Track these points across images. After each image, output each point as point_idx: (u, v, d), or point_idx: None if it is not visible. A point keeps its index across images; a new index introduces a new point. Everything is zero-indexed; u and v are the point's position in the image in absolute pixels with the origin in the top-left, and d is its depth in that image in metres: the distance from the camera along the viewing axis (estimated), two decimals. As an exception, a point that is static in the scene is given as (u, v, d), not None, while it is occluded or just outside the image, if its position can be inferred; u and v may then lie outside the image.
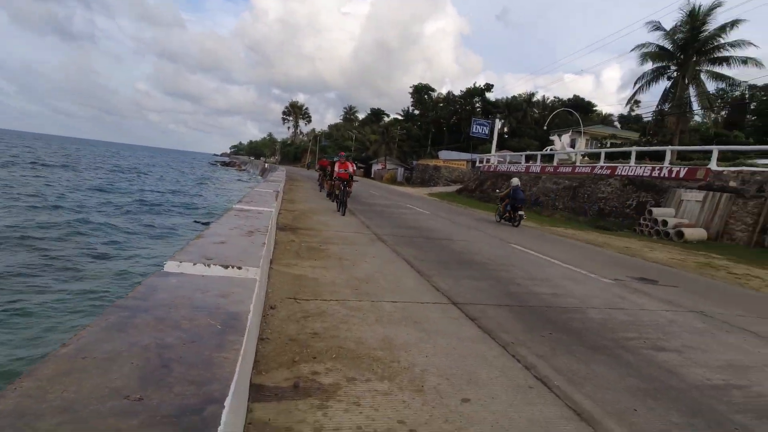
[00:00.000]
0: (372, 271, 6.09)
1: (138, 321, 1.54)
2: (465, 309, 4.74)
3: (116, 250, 11.89)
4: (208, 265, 2.37)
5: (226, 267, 2.40)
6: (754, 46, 26.46)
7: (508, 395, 2.90)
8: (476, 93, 69.95)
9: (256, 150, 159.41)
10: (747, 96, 36.04)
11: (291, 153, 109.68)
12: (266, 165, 71.33)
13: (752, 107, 33.35)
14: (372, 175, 62.80)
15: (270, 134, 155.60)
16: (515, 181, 15.25)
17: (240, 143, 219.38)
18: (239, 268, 2.42)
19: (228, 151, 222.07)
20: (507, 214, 15.19)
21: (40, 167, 37.81)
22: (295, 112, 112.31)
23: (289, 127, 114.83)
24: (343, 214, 12.16)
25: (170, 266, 2.30)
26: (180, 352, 1.35)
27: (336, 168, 14.11)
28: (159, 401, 1.09)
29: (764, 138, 24.86)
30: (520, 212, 14.86)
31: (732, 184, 16.33)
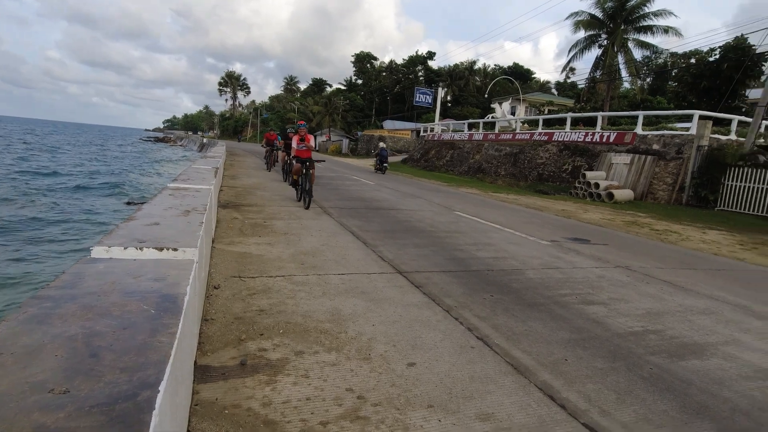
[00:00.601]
0: (318, 244, 6.08)
1: (62, 311, 1.46)
2: (410, 277, 4.87)
3: (32, 241, 11.05)
4: (141, 249, 2.27)
5: (161, 249, 2.31)
6: (674, 15, 28.07)
7: (451, 356, 3.04)
8: (419, 61, 69.79)
9: (192, 124, 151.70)
10: (669, 63, 38.38)
11: (231, 126, 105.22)
12: (204, 140, 68.13)
13: (673, 74, 35.61)
14: (316, 147, 61.68)
15: (206, 107, 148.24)
16: (382, 144, 25.77)
17: (174, 117, 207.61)
18: (175, 249, 2.34)
19: (161, 126, 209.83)
20: (378, 166, 24.31)
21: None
22: (233, 83, 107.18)
23: (227, 99, 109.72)
24: (307, 207, 9.10)
25: (98, 252, 2.18)
26: (110, 340, 1.31)
27: (294, 144, 10.02)
28: (88, 391, 1.05)
29: (683, 103, 26.72)
30: (385, 164, 24.25)
31: (655, 147, 17.53)
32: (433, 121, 41.71)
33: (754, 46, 21.05)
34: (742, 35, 23.04)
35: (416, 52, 70.79)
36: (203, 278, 3.44)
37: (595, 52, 31.77)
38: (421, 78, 68.49)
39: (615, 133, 19.58)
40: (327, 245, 6.08)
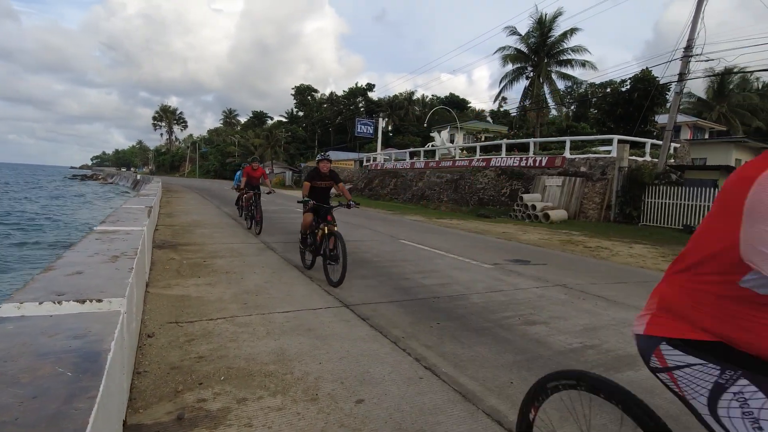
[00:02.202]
0: (262, 282, 5.89)
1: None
2: (357, 310, 4.81)
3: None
4: (59, 302, 2.10)
5: (83, 302, 2.14)
6: (588, 52, 30.76)
7: (400, 389, 3.00)
8: (359, 93, 71.19)
9: (124, 160, 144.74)
10: (588, 93, 41.66)
11: (167, 161, 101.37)
12: (138, 176, 65.01)
13: (593, 102, 38.66)
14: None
15: (140, 142, 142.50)
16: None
17: (104, 153, 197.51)
18: (99, 300, 2.17)
19: (89, 163, 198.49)
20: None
21: None
22: (168, 117, 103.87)
23: (162, 134, 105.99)
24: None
25: (7, 309, 1.99)
26: (16, 413, 1.17)
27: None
28: (-15, 478, 0.93)
29: (603, 129, 28.96)
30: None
31: (582, 169, 18.77)
32: (376, 151, 42.41)
33: (657, 77, 23.41)
34: (647, 68, 25.59)
35: (356, 84, 72.34)
36: (134, 328, 3.21)
37: (523, 82, 33.96)
38: (361, 109, 69.77)
39: (546, 158, 20.79)
40: (271, 282, 5.90)
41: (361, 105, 70.71)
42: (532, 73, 32.99)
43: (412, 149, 36.74)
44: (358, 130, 49.23)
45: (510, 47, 32.66)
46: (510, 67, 33.51)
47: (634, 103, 24.28)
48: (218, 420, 2.54)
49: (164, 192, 22.60)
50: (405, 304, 5.13)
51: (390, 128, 63.40)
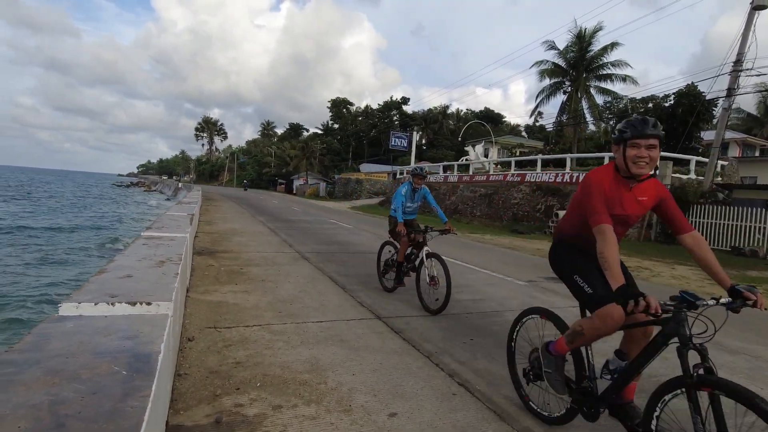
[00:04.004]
0: (296, 291, 5.99)
1: (25, 377, 1.40)
2: (390, 322, 4.82)
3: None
4: (113, 304, 2.21)
5: (134, 304, 2.25)
6: (630, 66, 30.04)
7: (433, 404, 2.98)
8: (394, 106, 71.87)
9: (167, 168, 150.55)
10: (629, 108, 40.64)
11: (207, 171, 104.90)
12: (180, 185, 67.48)
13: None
14: (294, 191, 61.86)
15: (183, 152, 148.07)
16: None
17: (149, 162, 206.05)
18: (149, 303, 2.28)
19: (135, 171, 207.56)
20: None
21: None
22: (210, 128, 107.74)
23: (203, 144, 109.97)
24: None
25: (66, 309, 2.11)
26: (78, 407, 1.25)
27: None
28: (53, 467, 1.00)
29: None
30: None
31: (622, 186, 18.24)
32: (409, 164, 42.52)
33: (703, 92, 22.58)
34: (692, 83, 24.74)
35: (391, 98, 73.08)
36: (177, 331, 3.34)
37: (560, 97, 33.48)
38: (396, 122, 70.34)
39: (584, 174, 20.31)
40: (305, 292, 5.99)
41: (395, 118, 71.32)
42: (570, 88, 32.49)
43: (445, 163, 36.68)
44: (392, 143, 49.58)
45: (547, 62, 32.34)
46: (547, 81, 33.17)
47: (678, 118, 23.49)
48: (254, 426, 2.59)
49: (203, 200, 23.36)
50: (437, 319, 5.10)
51: (424, 142, 63.58)
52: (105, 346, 1.72)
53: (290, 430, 2.55)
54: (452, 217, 26.01)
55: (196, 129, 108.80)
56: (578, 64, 31.37)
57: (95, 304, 2.18)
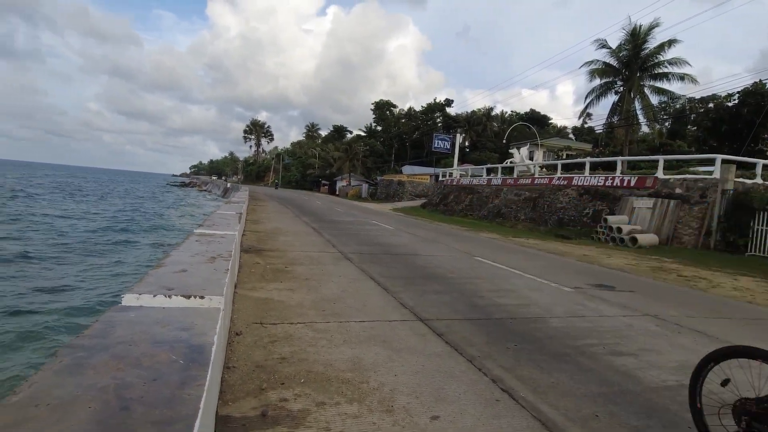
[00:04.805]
0: (338, 291, 6.07)
1: (95, 361, 1.50)
2: (432, 325, 4.79)
3: (66, 282, 11.31)
4: (169, 296, 2.32)
5: (188, 297, 2.36)
6: (688, 64, 28.38)
7: (476, 409, 2.94)
8: (437, 108, 71.53)
9: (217, 169, 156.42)
10: (687, 108, 38.48)
11: (254, 172, 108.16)
12: (228, 185, 69.97)
13: (692, 118, 35.61)
14: (337, 192, 62.74)
15: (231, 153, 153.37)
16: None
17: (200, 163, 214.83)
18: (202, 297, 2.38)
19: (188, 172, 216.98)
20: None
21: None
22: (257, 130, 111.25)
23: (251, 146, 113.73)
24: None
25: (128, 299, 2.24)
26: (141, 392, 1.32)
27: None
28: (120, 446, 1.06)
29: (703, 147, 26.55)
30: None
31: (678, 191, 17.29)
32: (452, 166, 42.19)
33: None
34: (760, 81, 23.12)
35: (434, 100, 72.77)
36: (226, 325, 3.46)
37: (611, 98, 32.17)
38: (439, 124, 69.97)
39: (636, 178, 19.43)
40: (347, 292, 6.06)
41: (438, 120, 70.96)
42: (622, 88, 31.18)
43: (489, 165, 36.11)
44: (435, 145, 49.34)
45: (598, 61, 31.17)
46: (597, 81, 31.94)
47: (743, 119, 22.03)
48: (298, 421, 2.64)
49: (250, 199, 24.11)
50: (480, 323, 5.02)
51: (467, 144, 62.86)
52: (163, 335, 1.81)
53: (333, 428, 2.59)
54: (495, 220, 25.56)
55: (245, 131, 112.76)
56: (632, 63, 30.03)
57: (154, 296, 2.30)
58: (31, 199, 36.77)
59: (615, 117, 32.04)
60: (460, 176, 37.05)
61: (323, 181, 72.21)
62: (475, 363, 3.77)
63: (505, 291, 6.86)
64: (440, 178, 40.70)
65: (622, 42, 30.16)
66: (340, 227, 15.60)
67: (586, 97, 33.42)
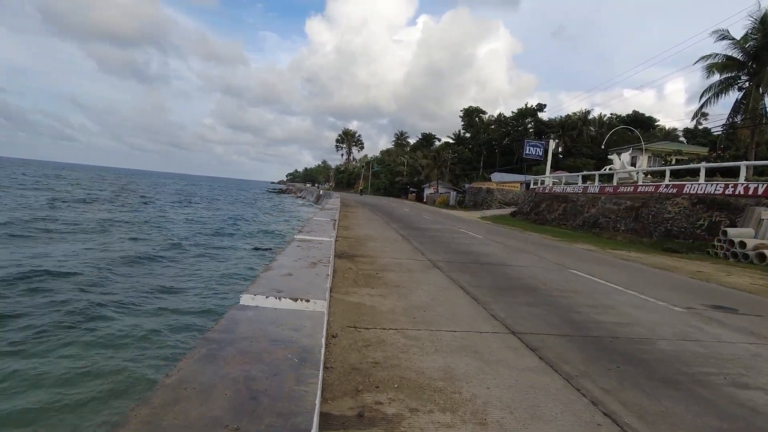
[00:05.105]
0: (428, 299, 6.12)
1: (225, 354, 1.70)
2: (525, 339, 4.66)
3: (178, 280, 12.62)
4: (279, 299, 2.54)
5: (296, 300, 2.56)
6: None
7: (574, 432, 2.82)
8: (528, 113, 68.97)
9: (311, 177, 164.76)
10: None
11: (344, 179, 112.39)
12: (321, 191, 73.39)
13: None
14: (424, 200, 62.94)
15: (324, 161, 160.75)
16: None
17: (296, 171, 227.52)
18: (307, 300, 2.57)
19: (285, 179, 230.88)
20: None
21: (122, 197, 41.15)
22: (348, 139, 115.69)
23: (342, 154, 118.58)
24: None
25: (246, 299, 2.49)
26: (265, 385, 1.49)
27: None
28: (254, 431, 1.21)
29: None
30: None
31: (819, 201, 14.94)
32: (544, 173, 40.37)
33: None
34: None
35: (526, 105, 70.23)
36: (326, 327, 3.68)
37: (733, 95, 28.68)
38: (530, 130, 67.38)
39: (765, 185, 17.11)
40: (437, 300, 6.09)
41: (530, 126, 68.38)
42: (747, 83, 27.67)
43: (585, 173, 34.02)
44: (526, 152, 47.59)
45: (717, 54, 27.98)
46: (716, 77, 28.66)
47: None
48: (393, 425, 2.73)
49: (341, 206, 25.08)
50: (576, 340, 4.78)
51: (560, 150, 59.72)
52: (277, 334, 2.00)
53: (427, 434, 2.64)
54: (591, 231, 23.98)
55: (337, 140, 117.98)
56: (761, 55, 26.52)
57: (266, 297, 2.53)
58: (154, 204, 41.60)
59: (738, 116, 28.52)
60: (553, 184, 35.31)
61: (411, 189, 72.84)
62: (572, 382, 3.61)
63: (604, 307, 6.43)
64: (531, 186, 39.11)
65: (749, 31, 26.76)
66: (428, 235, 15.66)
67: (701, 96, 30.14)
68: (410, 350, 4.05)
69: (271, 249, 18.81)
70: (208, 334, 1.88)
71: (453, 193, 55.85)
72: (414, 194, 69.94)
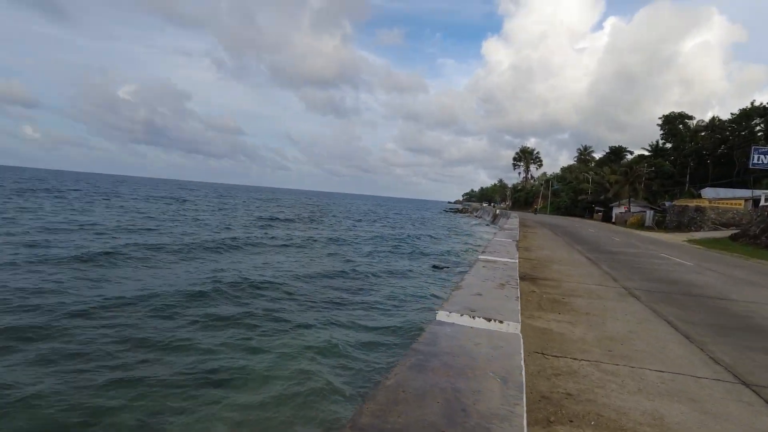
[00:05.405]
0: (625, 330, 5.48)
1: (431, 365, 1.84)
2: (763, 393, 3.80)
3: (365, 294, 13.76)
4: (473, 317, 2.62)
5: (489, 320, 2.60)
6: None
7: None
8: (756, 113, 56.65)
9: (486, 196, 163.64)
10: None
11: (522, 198, 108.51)
12: (497, 211, 72.16)
13: None
14: (613, 220, 56.55)
15: (500, 180, 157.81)
16: None
17: (471, 190, 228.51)
18: (501, 322, 2.59)
19: (461, 198, 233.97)
20: None
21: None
22: (526, 157, 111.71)
23: (519, 173, 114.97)
24: None
25: (441, 316, 2.63)
26: (472, 399, 1.56)
27: None
28: (467, 441, 1.30)
29: None
30: None
31: None
32: (781, 187, 32.43)
33: None
34: None
35: (752, 104, 57.76)
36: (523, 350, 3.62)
37: None
38: (759, 134, 55.11)
39: None
40: (636, 333, 5.41)
41: (758, 129, 56.03)
42: None
43: None
44: (754, 161, 38.98)
45: None
46: None
47: None
48: (593, 464, 2.53)
49: (520, 226, 24.23)
50: None
51: (807, 157, 47.19)
52: (476, 351, 2.07)
53: (634, 483, 2.37)
54: None
55: (514, 159, 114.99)
56: None
57: (461, 315, 2.64)
58: (348, 222, 46.56)
59: None
60: (797, 200, 28.01)
61: (597, 208, 66.27)
62: (841, 458, 2.81)
63: None
64: (762, 203, 31.72)
65: None
66: (620, 259, 14.01)
67: None
68: (607, 386, 3.68)
69: (448, 268, 19.22)
70: (415, 345, 2.05)
71: (649, 213, 48.83)
72: (601, 214, 63.40)
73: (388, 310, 11.79)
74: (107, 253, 15.24)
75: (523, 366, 1.95)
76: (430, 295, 13.67)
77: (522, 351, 2.16)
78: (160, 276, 13.32)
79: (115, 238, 19.81)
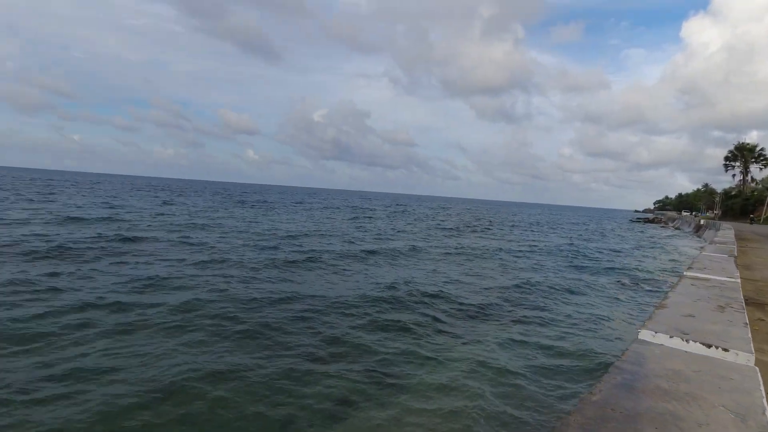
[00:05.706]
0: None
1: (640, 386, 1.65)
2: None
3: (546, 310, 12.94)
4: (686, 341, 2.27)
5: (708, 346, 2.22)
6: None
7: None
8: None
9: (686, 204, 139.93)
10: None
11: (737, 206, 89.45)
12: (702, 221, 60.91)
13: None
14: None
15: (706, 185, 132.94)
16: None
17: (666, 197, 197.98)
18: (725, 350, 2.19)
19: (652, 207, 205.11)
20: None
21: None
22: (744, 155, 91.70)
23: (734, 175, 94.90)
24: None
25: (645, 335, 2.35)
26: (696, 431, 1.36)
27: None
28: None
29: None
30: None
31: None
32: None
33: None
34: None
35: None
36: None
37: None
38: None
39: None
40: None
41: None
42: None
43: None
44: None
45: None
46: None
47: None
48: None
49: (736, 239, 20.01)
50: None
51: None
52: (696, 379, 1.78)
53: None
54: None
55: (726, 158, 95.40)
56: None
57: (670, 337, 2.30)
58: (531, 234, 44.87)
59: None
60: None
61: None
62: None
63: None
64: None
65: None
66: None
67: None
68: None
69: (638, 285, 17.00)
70: (618, 363, 1.88)
71: None
72: None
73: (568, 331, 10.92)
74: (309, 259, 17.61)
75: (766, 405, 1.62)
76: (615, 317, 12.24)
77: (762, 388, 1.79)
78: (348, 280, 14.80)
79: (317, 245, 22.71)
